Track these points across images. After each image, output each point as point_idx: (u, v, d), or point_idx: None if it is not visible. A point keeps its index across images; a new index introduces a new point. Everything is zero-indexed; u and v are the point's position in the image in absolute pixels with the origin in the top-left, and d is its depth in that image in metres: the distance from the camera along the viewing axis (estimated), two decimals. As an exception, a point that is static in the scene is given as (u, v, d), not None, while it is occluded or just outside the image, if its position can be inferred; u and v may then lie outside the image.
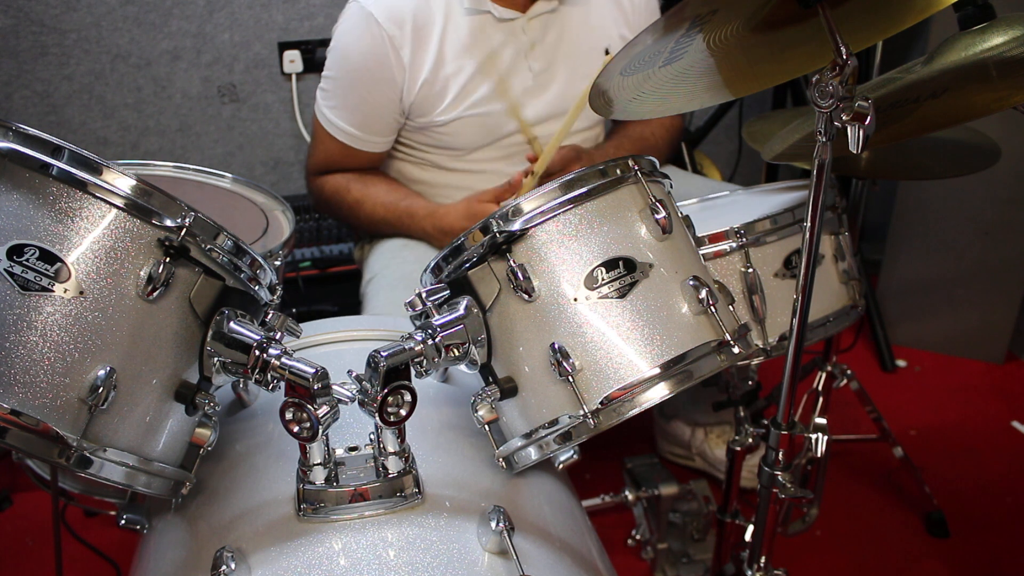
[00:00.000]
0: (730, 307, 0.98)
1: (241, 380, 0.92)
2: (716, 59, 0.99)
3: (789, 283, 1.17)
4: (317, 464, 0.84)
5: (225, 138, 2.55)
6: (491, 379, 0.91)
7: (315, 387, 0.78)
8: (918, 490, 1.77)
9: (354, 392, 0.83)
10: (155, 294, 0.75)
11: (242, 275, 0.84)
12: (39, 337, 0.71)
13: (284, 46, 2.46)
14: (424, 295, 0.90)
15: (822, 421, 1.17)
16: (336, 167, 1.60)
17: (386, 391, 0.80)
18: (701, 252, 1.04)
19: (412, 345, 0.84)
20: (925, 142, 1.40)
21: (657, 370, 0.85)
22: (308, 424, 0.79)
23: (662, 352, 0.86)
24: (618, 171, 0.90)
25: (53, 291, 0.71)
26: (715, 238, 1.14)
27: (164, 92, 2.45)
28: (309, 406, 0.78)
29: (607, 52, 1.57)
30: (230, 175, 1.27)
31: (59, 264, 0.72)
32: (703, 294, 0.88)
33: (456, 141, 1.55)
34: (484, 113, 1.52)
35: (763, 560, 1.11)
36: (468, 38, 1.48)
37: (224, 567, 0.76)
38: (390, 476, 0.85)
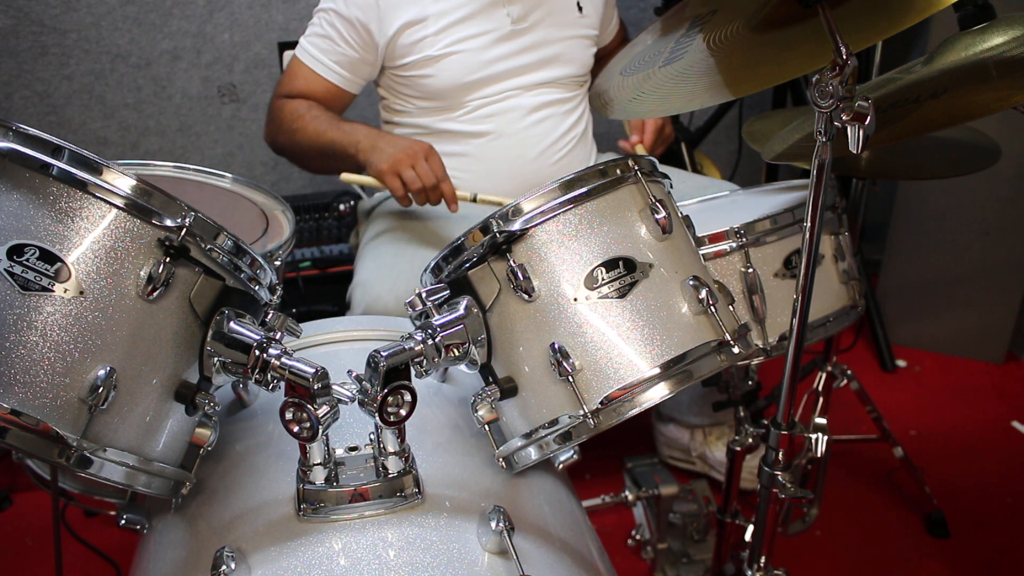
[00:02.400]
0: (730, 307, 0.98)
1: (241, 380, 0.93)
2: (716, 59, 0.99)
3: (789, 283, 1.17)
4: (317, 464, 0.84)
5: (225, 138, 2.55)
6: (491, 379, 0.91)
7: (315, 387, 0.78)
8: (918, 490, 1.77)
9: (354, 392, 0.83)
10: (155, 294, 0.75)
11: (242, 275, 0.84)
12: (39, 337, 0.71)
13: (284, 46, 2.45)
14: (424, 295, 0.90)
15: (822, 421, 1.17)
16: (301, 96, 1.64)
17: (386, 391, 0.80)
18: (701, 252, 1.04)
19: (412, 345, 0.84)
20: (925, 142, 1.40)
21: (657, 370, 0.85)
22: (308, 424, 0.79)
23: (662, 352, 0.86)
24: (618, 171, 0.90)
25: (53, 291, 0.71)
26: (715, 238, 1.14)
27: (164, 92, 2.45)
28: (309, 406, 0.78)
29: (579, 7, 1.65)
30: (230, 175, 1.27)
31: (59, 264, 0.72)
32: (703, 294, 0.88)
33: (441, 83, 1.59)
34: (465, 50, 1.56)
35: (763, 560, 1.11)
36: None
37: (224, 567, 0.76)
38: (390, 476, 0.85)
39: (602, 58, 1.87)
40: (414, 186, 1.46)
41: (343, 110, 1.68)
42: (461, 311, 0.89)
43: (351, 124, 1.58)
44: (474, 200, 1.50)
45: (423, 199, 1.48)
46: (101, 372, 0.73)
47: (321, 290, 2.24)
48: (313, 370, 0.79)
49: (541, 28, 1.61)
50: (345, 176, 1.57)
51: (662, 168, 0.99)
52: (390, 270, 1.50)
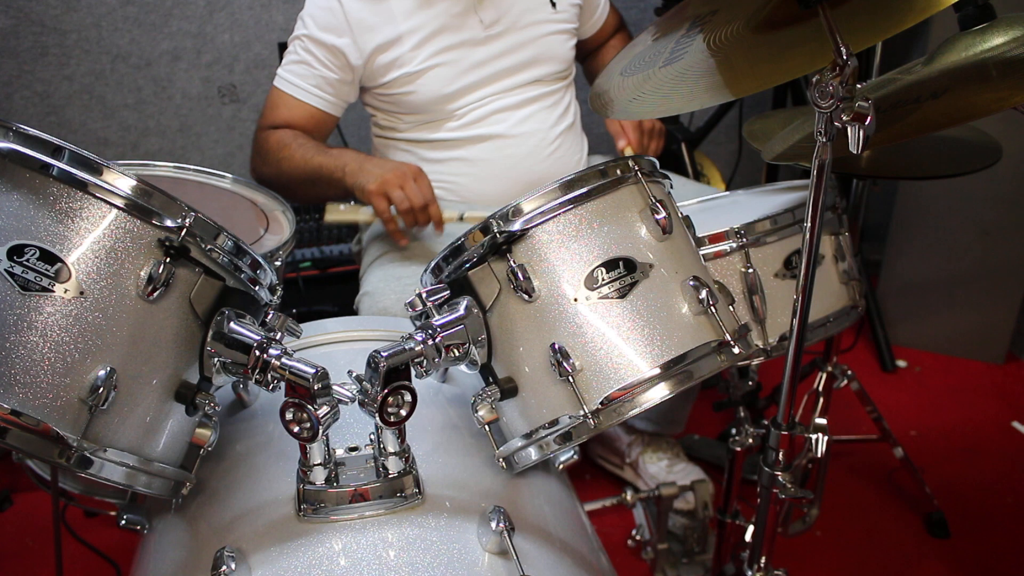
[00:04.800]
0: (730, 307, 0.98)
1: (241, 380, 0.93)
2: (716, 59, 0.99)
3: (789, 283, 1.17)
4: (317, 464, 0.84)
5: (225, 138, 2.55)
6: (491, 379, 0.91)
7: (315, 387, 0.78)
8: (918, 490, 1.77)
9: (354, 392, 0.83)
10: (155, 294, 0.75)
11: (242, 275, 0.84)
12: (39, 337, 0.71)
13: (284, 47, 2.45)
14: (424, 295, 0.90)
15: (822, 421, 1.16)
16: (286, 125, 1.63)
17: (386, 391, 0.80)
18: (701, 252, 1.04)
19: (412, 345, 0.84)
20: (926, 141, 1.40)
21: (657, 370, 0.85)
22: (308, 424, 0.79)
23: (662, 352, 0.86)
24: (618, 171, 0.90)
25: (53, 291, 0.71)
26: (715, 238, 1.14)
27: (164, 92, 2.45)
28: (309, 406, 0.78)
29: (552, 3, 1.64)
30: (230, 175, 1.27)
31: (59, 264, 0.72)
32: (703, 294, 0.88)
33: (424, 98, 1.60)
34: (443, 63, 1.57)
35: (763, 560, 1.11)
36: None
37: (224, 567, 0.76)
38: (390, 476, 0.85)
39: (597, 48, 1.88)
40: (402, 206, 1.44)
41: (327, 137, 1.67)
42: (461, 311, 0.89)
43: (338, 149, 1.58)
44: (461, 219, 1.49)
45: (411, 220, 1.46)
46: (101, 372, 0.73)
47: (321, 290, 2.24)
48: (313, 370, 0.78)
49: (515, 30, 1.61)
50: (329, 216, 1.55)
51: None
52: (397, 281, 1.50)
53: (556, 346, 0.85)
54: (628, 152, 1.67)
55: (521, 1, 1.61)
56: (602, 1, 1.81)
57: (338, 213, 1.57)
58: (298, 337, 0.93)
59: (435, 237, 1.54)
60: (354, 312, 1.55)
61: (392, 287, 1.48)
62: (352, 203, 1.58)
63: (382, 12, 1.54)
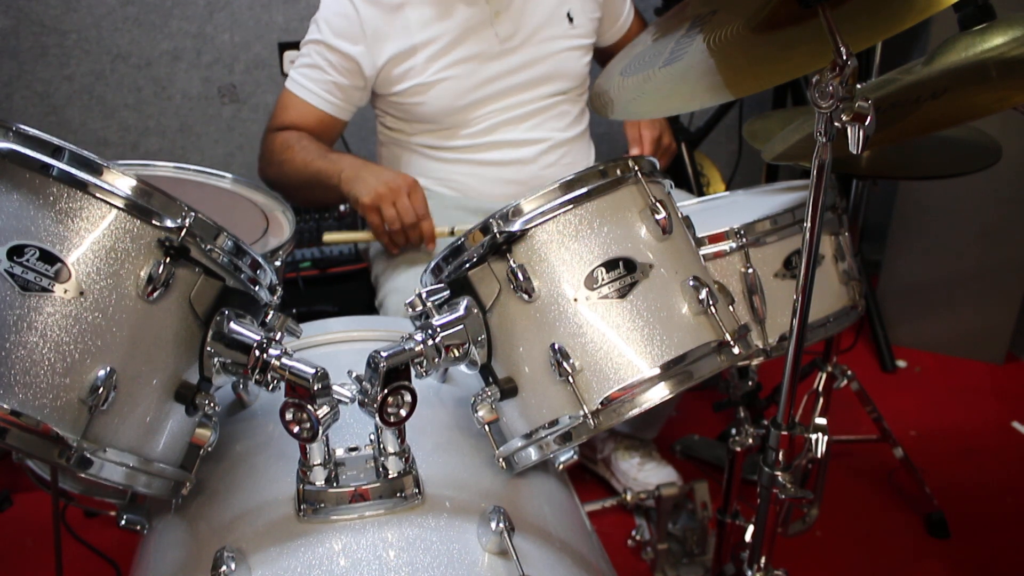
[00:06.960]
0: (730, 307, 0.97)
1: (241, 380, 0.93)
2: (716, 59, 0.99)
3: (789, 283, 1.17)
4: (317, 464, 0.84)
5: (225, 138, 2.55)
6: (491, 379, 0.91)
7: (315, 387, 0.78)
8: (918, 490, 1.77)
9: (354, 392, 0.83)
10: (155, 294, 0.75)
11: (242, 275, 0.84)
12: (39, 337, 0.71)
13: (284, 47, 2.46)
14: (424, 295, 0.90)
15: (822, 421, 1.16)
16: (294, 127, 1.63)
17: (386, 391, 0.80)
18: (701, 252, 1.04)
19: (412, 345, 0.84)
20: (925, 141, 1.40)
21: (657, 370, 0.85)
22: (308, 424, 0.79)
23: (662, 352, 0.86)
24: (618, 171, 0.90)
25: (53, 291, 0.71)
26: (715, 238, 1.14)
27: (164, 93, 2.45)
28: (309, 406, 0.78)
29: (569, 18, 1.63)
30: (230, 175, 1.26)
31: (59, 264, 0.72)
32: (703, 294, 0.88)
33: (433, 109, 1.60)
34: (456, 75, 1.56)
35: (763, 560, 1.11)
36: (434, 9, 1.54)
37: (224, 567, 0.76)
38: (390, 477, 0.85)
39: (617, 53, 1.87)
40: (393, 226, 1.43)
41: (334, 140, 1.67)
42: (461, 311, 0.89)
43: (337, 154, 1.57)
44: (451, 234, 1.49)
45: (402, 239, 1.46)
46: (101, 373, 0.73)
47: (321, 290, 2.24)
48: (313, 370, 0.78)
49: (531, 44, 1.60)
50: (327, 236, 1.56)
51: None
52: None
53: (556, 346, 0.85)
54: None
55: (538, 15, 1.60)
56: (625, 8, 1.78)
57: (336, 235, 1.61)
58: (298, 337, 0.94)
59: (470, 212, 1.53)
60: (373, 311, 1.54)
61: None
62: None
63: (398, 22, 1.54)
